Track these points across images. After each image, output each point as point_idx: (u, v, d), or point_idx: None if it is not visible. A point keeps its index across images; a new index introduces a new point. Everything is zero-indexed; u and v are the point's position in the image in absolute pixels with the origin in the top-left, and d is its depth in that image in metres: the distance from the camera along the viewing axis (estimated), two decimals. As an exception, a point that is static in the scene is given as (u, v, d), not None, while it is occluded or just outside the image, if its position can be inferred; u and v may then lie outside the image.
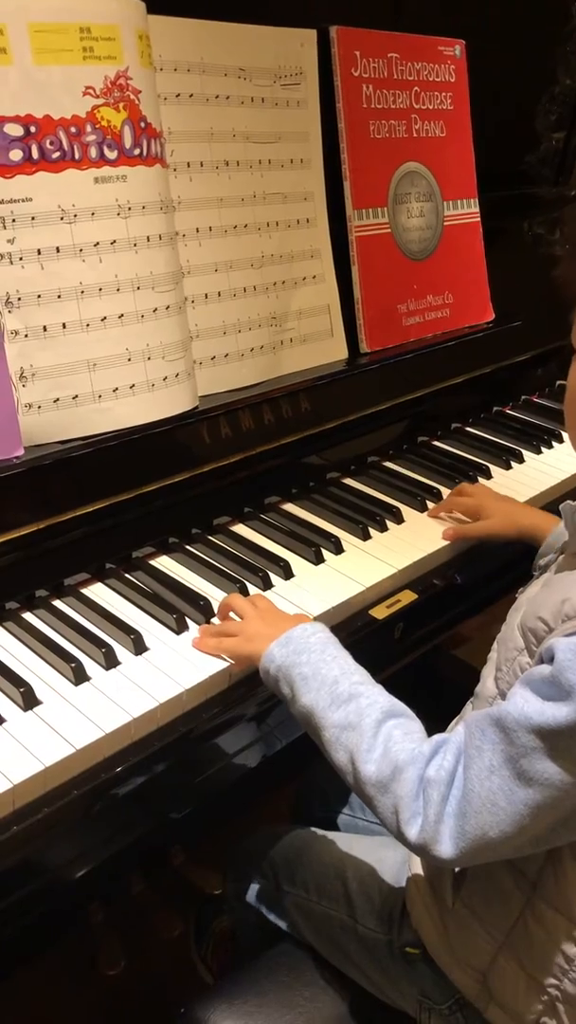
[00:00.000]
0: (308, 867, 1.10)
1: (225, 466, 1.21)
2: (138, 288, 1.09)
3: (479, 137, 1.63)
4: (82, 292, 1.05)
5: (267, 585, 1.12)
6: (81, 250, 1.04)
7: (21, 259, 1.01)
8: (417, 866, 0.99)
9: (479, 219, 1.65)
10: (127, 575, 1.12)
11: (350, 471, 1.43)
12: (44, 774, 0.84)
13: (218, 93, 1.21)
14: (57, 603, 1.06)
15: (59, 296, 1.04)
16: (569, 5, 1.83)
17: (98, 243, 1.05)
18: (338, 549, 1.21)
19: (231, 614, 1.03)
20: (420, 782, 0.78)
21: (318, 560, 1.19)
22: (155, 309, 1.11)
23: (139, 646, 0.99)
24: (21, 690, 0.90)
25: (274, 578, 1.14)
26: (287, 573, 1.15)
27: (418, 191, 1.52)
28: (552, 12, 1.80)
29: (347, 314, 1.42)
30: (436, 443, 1.57)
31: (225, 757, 1.01)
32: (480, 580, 1.27)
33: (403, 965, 0.99)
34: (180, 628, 1.03)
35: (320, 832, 1.16)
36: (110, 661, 0.97)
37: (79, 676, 0.94)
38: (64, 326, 1.04)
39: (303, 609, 1.08)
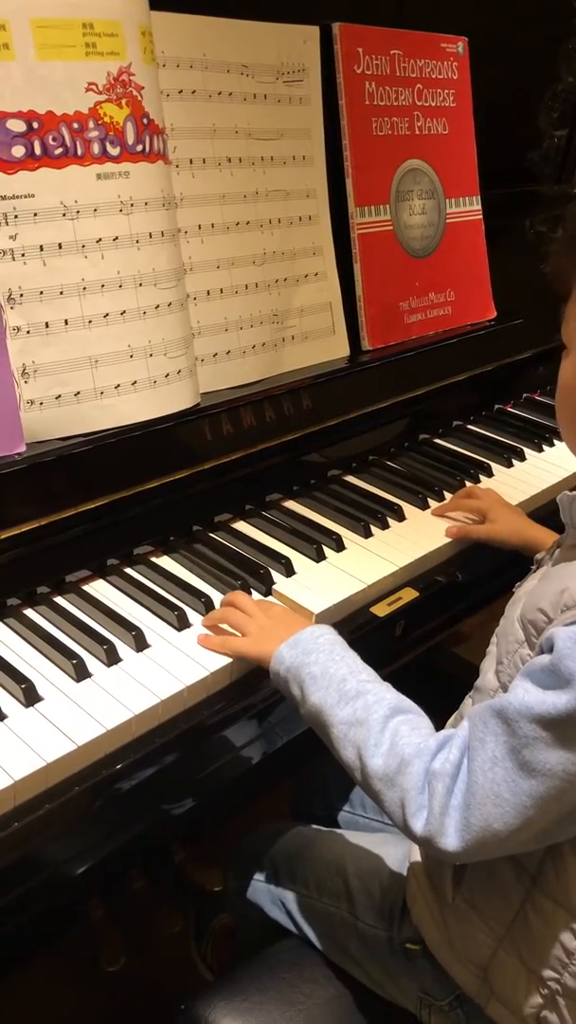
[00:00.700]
0: (309, 864, 1.10)
1: (227, 463, 1.21)
2: (140, 285, 1.09)
3: (481, 134, 1.63)
4: (84, 288, 1.05)
5: (268, 582, 1.12)
6: (83, 246, 1.04)
7: (23, 255, 1.01)
8: (418, 862, 0.99)
9: (481, 217, 1.64)
10: (129, 572, 1.12)
11: (352, 468, 1.43)
12: (45, 770, 0.84)
13: (220, 89, 1.21)
14: (59, 599, 1.06)
15: (61, 292, 1.04)
16: (572, 2, 1.83)
17: (100, 239, 1.05)
18: (339, 547, 1.21)
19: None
20: (426, 775, 0.78)
21: (319, 557, 1.19)
22: (157, 306, 1.11)
23: (140, 643, 1.00)
24: (23, 686, 0.90)
25: (275, 575, 1.14)
26: (288, 570, 1.15)
27: (420, 188, 1.52)
28: (555, 9, 1.80)
29: (349, 311, 1.42)
30: (438, 441, 1.57)
31: (226, 754, 1.01)
32: (481, 578, 1.27)
33: (403, 961, 0.99)
34: (181, 625, 1.03)
35: (321, 829, 1.16)
36: (111, 658, 0.97)
37: (80, 673, 0.94)
38: (66, 322, 1.04)
39: (305, 606, 1.08)
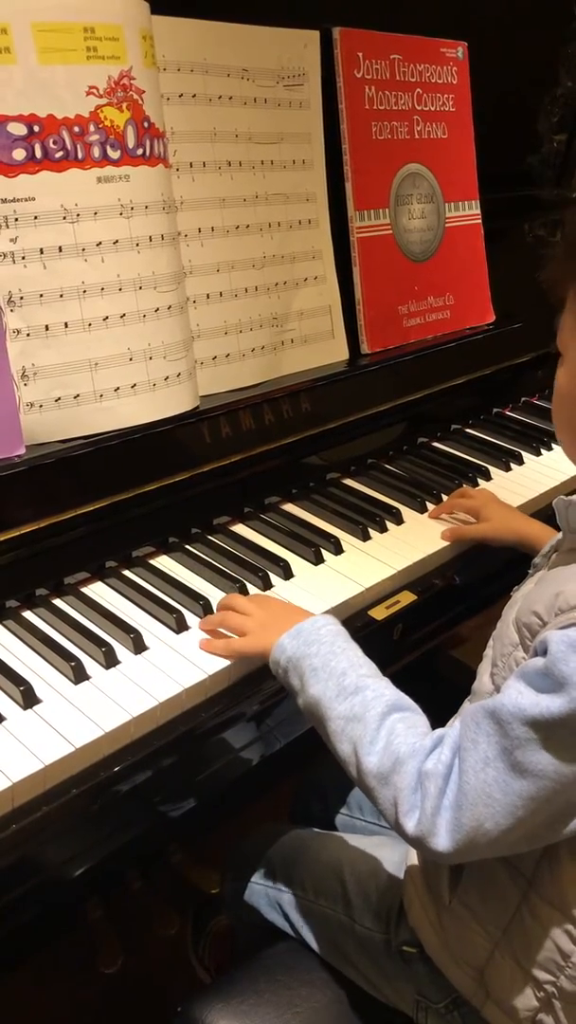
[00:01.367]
0: (306, 867, 1.10)
1: (225, 466, 1.21)
2: (140, 288, 1.09)
3: (481, 138, 1.63)
4: (84, 291, 1.05)
5: (267, 585, 1.12)
6: (83, 249, 1.04)
7: (24, 258, 1.01)
8: (415, 865, 0.99)
9: (480, 221, 1.65)
10: (127, 574, 1.12)
11: (350, 472, 1.43)
12: (43, 772, 0.84)
13: (221, 93, 1.21)
14: (57, 602, 1.06)
15: (61, 295, 1.04)
16: (571, 6, 1.84)
17: (100, 243, 1.06)
18: (338, 549, 1.21)
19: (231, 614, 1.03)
20: (419, 775, 0.79)
21: (318, 560, 1.19)
22: (157, 309, 1.11)
23: (139, 645, 1.00)
24: (21, 689, 0.91)
25: (274, 578, 1.14)
26: (287, 573, 1.15)
27: (420, 192, 1.52)
28: (554, 13, 1.81)
29: (348, 315, 1.42)
30: (436, 444, 1.58)
31: (224, 756, 1.01)
32: (479, 581, 1.28)
33: (400, 964, 0.99)
34: (180, 627, 1.03)
35: (318, 832, 1.16)
36: (110, 660, 0.97)
37: (79, 675, 0.95)
38: (66, 325, 1.05)
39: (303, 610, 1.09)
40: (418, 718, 0.85)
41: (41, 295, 1.03)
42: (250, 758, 1.05)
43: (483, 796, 0.75)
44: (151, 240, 1.10)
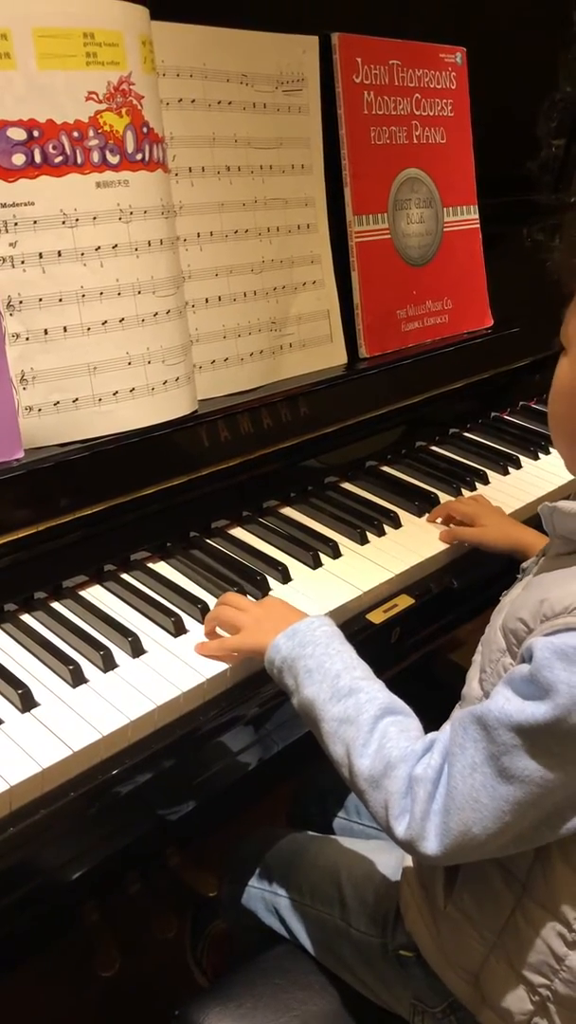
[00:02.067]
0: (303, 870, 1.10)
1: (224, 470, 1.21)
2: (139, 292, 1.10)
3: (479, 143, 1.64)
4: (83, 296, 1.05)
5: (265, 589, 1.13)
6: (83, 254, 1.05)
7: (23, 262, 1.02)
8: (411, 870, 1.00)
9: (479, 225, 1.65)
10: (125, 578, 1.12)
11: (348, 476, 1.43)
12: (41, 776, 0.84)
13: (220, 99, 1.21)
14: (55, 605, 1.07)
15: (60, 300, 1.04)
16: (570, 12, 1.84)
17: (99, 247, 1.06)
18: (336, 553, 1.21)
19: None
20: (409, 780, 0.79)
21: (316, 564, 1.19)
22: (156, 313, 1.12)
23: (137, 649, 1.00)
24: (19, 692, 0.91)
25: (272, 582, 1.14)
26: (285, 577, 1.16)
27: (418, 197, 1.53)
28: (553, 19, 1.81)
29: (346, 319, 1.43)
30: (434, 448, 1.58)
31: (222, 760, 1.01)
32: (476, 585, 1.28)
33: (397, 968, 0.99)
34: (178, 631, 1.04)
35: (315, 835, 1.17)
36: (108, 664, 0.97)
37: (77, 678, 0.95)
38: (65, 329, 1.05)
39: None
40: (411, 722, 0.85)
41: (40, 299, 1.03)
42: (248, 761, 1.05)
43: (471, 801, 0.75)
44: (150, 245, 1.10)
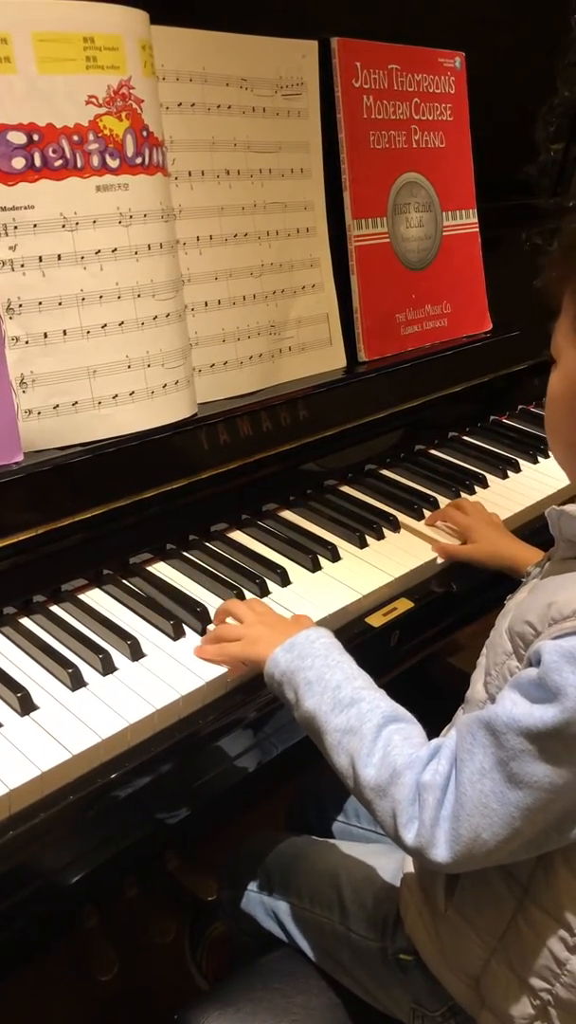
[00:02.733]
0: (302, 874, 1.10)
1: (223, 473, 1.21)
2: (139, 296, 1.10)
3: (478, 147, 1.64)
4: (83, 299, 1.06)
5: (264, 592, 1.13)
6: (82, 257, 1.05)
7: (23, 266, 1.02)
8: (411, 873, 0.99)
9: (477, 229, 1.66)
10: (125, 581, 1.12)
11: (347, 479, 1.43)
12: (41, 779, 0.84)
13: (220, 103, 1.22)
14: (55, 608, 1.06)
15: (60, 303, 1.04)
16: (569, 17, 1.85)
17: (99, 251, 1.06)
18: (335, 557, 1.21)
19: (228, 619, 1.04)
20: (417, 787, 0.79)
21: (315, 567, 1.19)
22: (155, 317, 1.12)
23: (136, 652, 1.00)
24: (18, 695, 0.91)
25: (271, 585, 1.14)
26: (284, 580, 1.16)
27: (417, 201, 1.53)
28: (552, 23, 1.82)
29: (346, 323, 1.43)
30: (433, 452, 1.58)
31: (221, 763, 1.01)
32: (476, 588, 1.28)
33: (396, 972, 0.99)
34: (177, 634, 1.04)
35: (314, 839, 1.16)
36: (107, 667, 0.97)
37: (76, 682, 0.95)
38: (65, 333, 1.05)
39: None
40: (414, 729, 0.85)
41: (40, 303, 1.03)
42: (247, 765, 1.05)
43: (480, 807, 0.75)
44: (150, 248, 1.11)
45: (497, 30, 1.69)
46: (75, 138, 1.02)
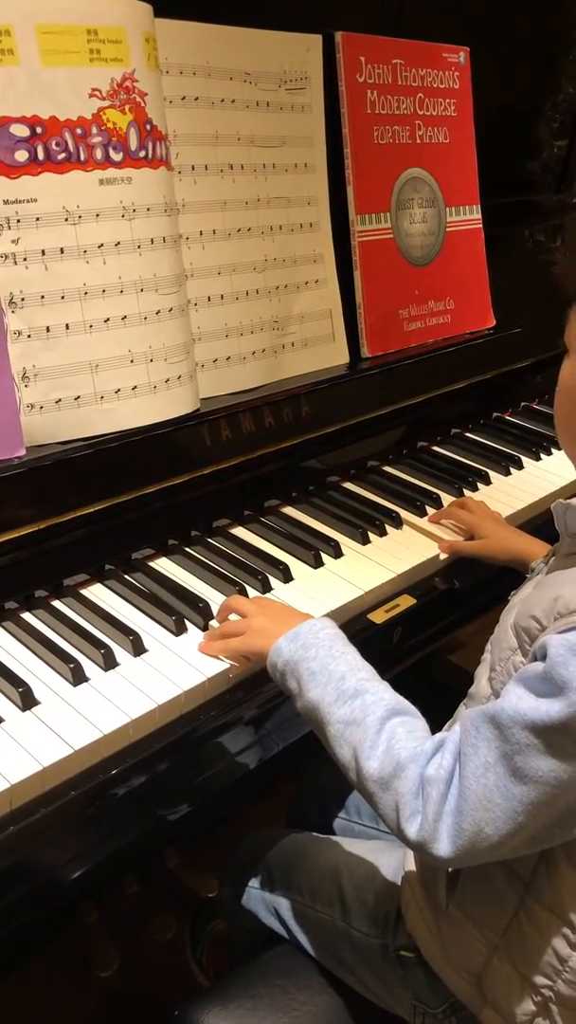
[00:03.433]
0: (304, 871, 1.10)
1: (225, 469, 1.21)
2: (141, 290, 1.09)
3: (481, 143, 1.64)
4: (85, 293, 1.05)
5: (266, 588, 1.12)
6: (85, 251, 1.04)
7: (25, 259, 1.01)
8: (412, 870, 0.99)
9: (481, 225, 1.65)
10: (126, 576, 1.12)
11: (350, 475, 1.43)
12: (42, 775, 0.84)
13: (223, 97, 1.21)
14: (56, 603, 1.06)
15: (62, 297, 1.04)
16: (573, 12, 1.84)
17: (102, 244, 1.06)
18: (337, 553, 1.21)
19: (231, 616, 1.03)
20: (420, 780, 0.78)
21: (317, 564, 1.19)
22: (158, 311, 1.11)
23: (138, 647, 1.00)
24: (20, 690, 0.90)
25: (273, 581, 1.14)
26: (286, 576, 1.15)
27: (421, 197, 1.52)
28: (556, 20, 1.81)
29: (349, 319, 1.42)
30: (436, 448, 1.58)
31: (223, 759, 1.01)
32: (478, 586, 1.27)
33: (397, 969, 0.99)
34: (179, 630, 1.03)
35: (316, 836, 1.16)
36: (109, 662, 0.97)
37: (78, 677, 0.94)
38: (67, 327, 1.05)
39: (303, 613, 1.08)
40: (418, 722, 0.84)
41: (42, 296, 1.03)
42: (248, 761, 1.04)
43: (484, 801, 0.75)
44: (153, 242, 1.10)
45: (501, 25, 1.68)
46: (78, 131, 1.02)
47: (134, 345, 1.10)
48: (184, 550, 1.18)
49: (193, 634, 1.03)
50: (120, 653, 0.99)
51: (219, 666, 0.99)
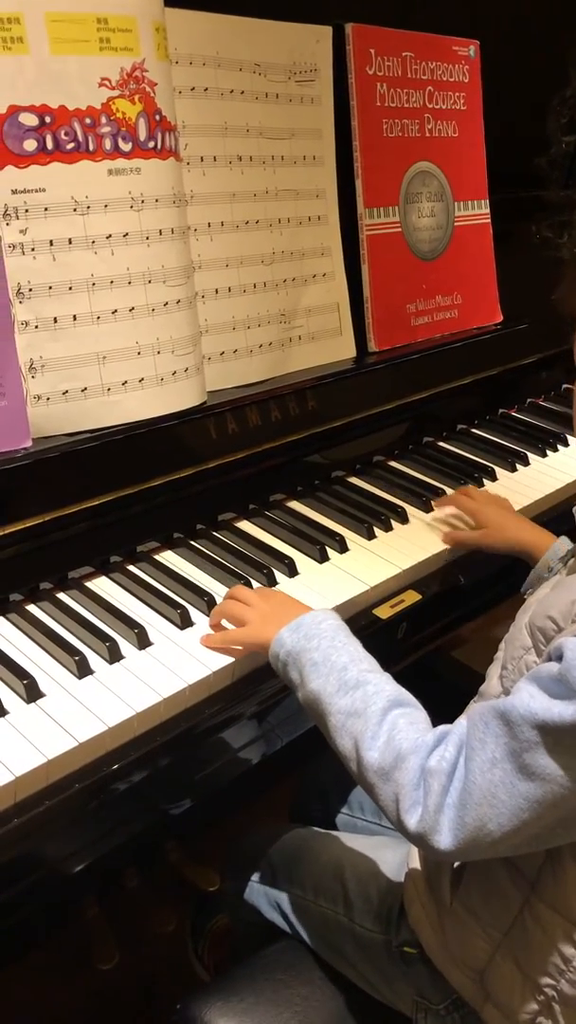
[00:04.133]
0: (306, 866, 1.10)
1: (231, 462, 1.20)
2: (149, 282, 1.09)
3: (490, 138, 1.63)
4: (93, 284, 1.05)
5: (271, 582, 1.12)
6: (93, 242, 1.04)
7: (33, 250, 1.01)
8: (416, 865, 0.99)
9: (489, 220, 1.64)
10: (132, 569, 1.12)
11: (355, 470, 1.42)
12: (46, 767, 0.83)
13: (233, 88, 1.20)
14: (61, 596, 1.06)
15: (70, 288, 1.03)
16: (583, 8, 1.83)
17: (110, 235, 1.05)
18: (343, 548, 1.21)
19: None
20: (421, 771, 0.78)
21: (323, 558, 1.18)
22: (166, 303, 1.11)
23: (143, 640, 0.99)
24: (25, 682, 0.90)
25: (279, 575, 1.14)
26: (292, 571, 1.15)
27: (429, 191, 1.52)
28: (566, 14, 1.80)
29: (356, 313, 1.42)
30: (442, 444, 1.57)
31: (226, 753, 1.01)
32: (483, 582, 1.27)
33: (400, 965, 0.99)
34: (184, 623, 1.03)
35: (319, 831, 1.16)
36: (114, 655, 0.97)
37: (83, 669, 0.94)
38: (75, 318, 1.04)
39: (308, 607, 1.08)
40: (419, 714, 0.84)
41: (50, 287, 1.02)
42: (252, 756, 1.04)
43: (488, 796, 0.74)
44: (161, 234, 1.09)
45: (511, 19, 1.67)
46: (87, 121, 1.01)
47: (141, 337, 1.09)
48: (189, 543, 1.18)
49: (198, 628, 1.03)
50: (125, 646, 0.98)
51: (224, 660, 0.98)
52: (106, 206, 1.04)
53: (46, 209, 1.00)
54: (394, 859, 1.06)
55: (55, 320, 1.03)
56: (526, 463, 1.53)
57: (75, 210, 1.02)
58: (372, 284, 1.42)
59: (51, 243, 1.01)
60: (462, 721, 0.80)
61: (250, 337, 1.26)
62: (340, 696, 0.85)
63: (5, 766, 0.82)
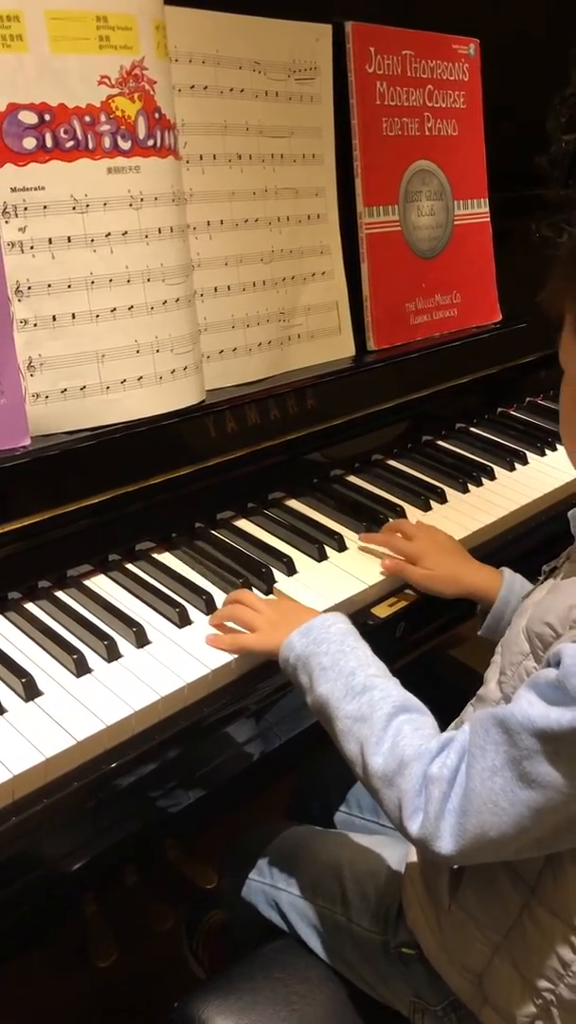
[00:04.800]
0: (305, 865, 1.10)
1: (230, 461, 1.20)
2: (148, 280, 1.09)
3: (490, 137, 1.63)
4: (92, 282, 1.05)
5: (270, 581, 1.12)
6: (92, 240, 1.04)
7: (32, 248, 1.01)
8: (414, 866, 0.99)
9: (489, 219, 1.64)
10: (130, 567, 1.12)
11: (354, 469, 1.42)
12: (45, 765, 0.83)
13: (232, 86, 1.20)
14: (60, 594, 1.06)
15: (69, 286, 1.03)
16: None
17: (109, 234, 1.05)
18: (341, 546, 1.21)
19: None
20: (424, 778, 0.78)
21: (321, 557, 1.18)
22: (165, 301, 1.11)
23: (141, 639, 0.99)
24: (23, 681, 0.90)
25: (277, 574, 1.14)
26: (290, 569, 1.15)
27: (429, 190, 1.52)
28: (566, 13, 1.80)
29: (355, 311, 1.42)
30: (440, 442, 1.57)
31: (225, 752, 1.01)
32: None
33: (398, 965, 0.99)
34: (183, 622, 1.03)
35: (317, 830, 1.16)
36: (112, 653, 0.96)
37: (81, 668, 0.94)
38: (73, 316, 1.04)
39: (306, 606, 1.08)
40: (425, 720, 0.84)
41: (49, 285, 1.02)
42: (251, 754, 1.04)
43: (489, 804, 0.74)
44: (160, 232, 1.09)
45: (511, 18, 1.67)
46: (87, 119, 1.01)
47: (140, 335, 1.09)
48: (188, 542, 1.18)
49: (197, 626, 1.03)
50: (123, 644, 0.98)
51: (223, 658, 0.98)
52: (105, 204, 1.04)
53: (45, 207, 1.00)
54: (392, 859, 1.06)
55: (54, 318, 1.03)
56: (525, 462, 1.52)
57: (74, 208, 1.02)
58: (371, 283, 1.42)
59: (50, 241, 1.01)
60: (465, 728, 0.80)
61: (249, 335, 1.26)
62: (347, 701, 0.85)
63: (3, 764, 0.82)
